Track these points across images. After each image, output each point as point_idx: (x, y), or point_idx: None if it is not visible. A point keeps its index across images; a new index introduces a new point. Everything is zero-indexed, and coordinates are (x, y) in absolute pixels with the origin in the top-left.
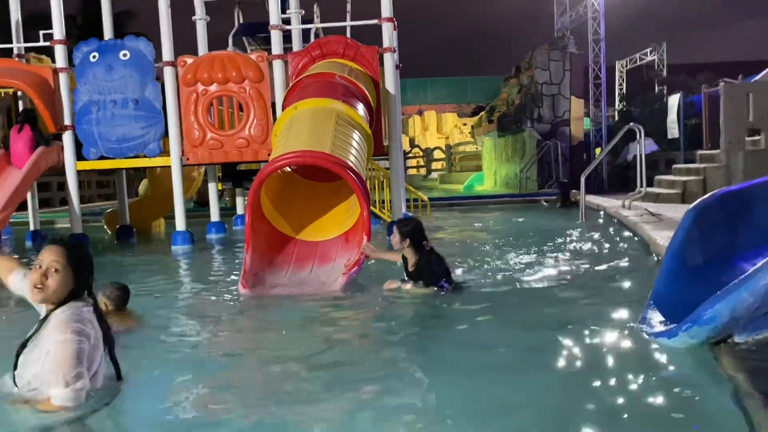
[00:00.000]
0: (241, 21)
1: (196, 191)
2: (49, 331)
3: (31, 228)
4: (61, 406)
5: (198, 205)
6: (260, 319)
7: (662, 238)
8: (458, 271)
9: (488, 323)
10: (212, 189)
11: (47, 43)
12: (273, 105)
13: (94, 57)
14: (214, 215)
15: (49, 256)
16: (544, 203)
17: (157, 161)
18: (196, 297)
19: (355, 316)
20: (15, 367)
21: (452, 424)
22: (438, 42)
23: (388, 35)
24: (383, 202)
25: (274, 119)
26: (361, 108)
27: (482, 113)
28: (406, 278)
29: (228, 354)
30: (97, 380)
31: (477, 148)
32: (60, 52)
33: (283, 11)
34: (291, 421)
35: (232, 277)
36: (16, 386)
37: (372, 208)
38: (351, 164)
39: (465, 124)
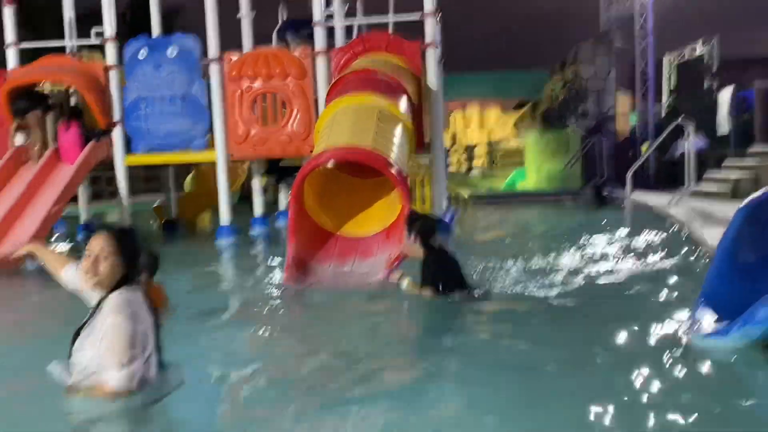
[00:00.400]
0: (285, 17)
1: (241, 186)
2: (103, 316)
3: (82, 221)
4: (117, 388)
5: (243, 199)
6: (303, 313)
7: (712, 236)
8: (507, 270)
9: (533, 324)
10: (257, 184)
11: (99, 41)
12: (316, 101)
13: (143, 54)
14: (258, 210)
15: (98, 243)
16: (568, 202)
17: (203, 156)
18: (240, 289)
19: (395, 312)
20: (69, 356)
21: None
22: (481, 35)
23: (431, 30)
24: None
25: (317, 115)
26: (403, 104)
27: (525, 108)
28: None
29: (269, 346)
30: (150, 366)
31: (520, 145)
32: (111, 49)
33: (327, 7)
34: (329, 416)
35: (276, 271)
36: (71, 375)
37: (413, 204)
38: (392, 160)
39: (508, 120)
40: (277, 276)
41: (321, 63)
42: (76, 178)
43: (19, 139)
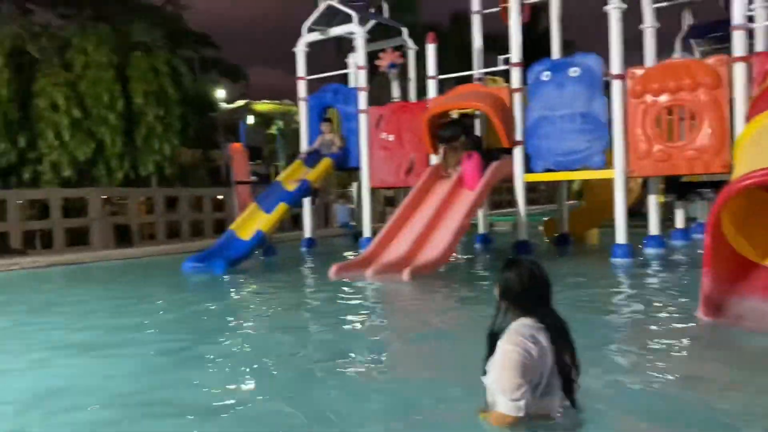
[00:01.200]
0: (690, 22)
1: (634, 202)
2: (501, 342)
3: (480, 231)
4: (503, 414)
5: (632, 216)
6: (719, 352)
7: None
8: None
9: None
10: (653, 201)
11: (506, 67)
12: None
13: (546, 76)
14: (654, 228)
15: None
16: None
17: (601, 173)
18: (642, 316)
19: None
20: (484, 373)
21: None
22: None
23: None
24: None
25: (731, 129)
26: None
27: None
28: None
29: (679, 386)
30: (545, 401)
31: None
32: (516, 73)
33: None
34: None
35: (683, 299)
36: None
37: None
38: None
39: None
40: (685, 305)
41: (739, 71)
42: (480, 197)
43: (435, 159)
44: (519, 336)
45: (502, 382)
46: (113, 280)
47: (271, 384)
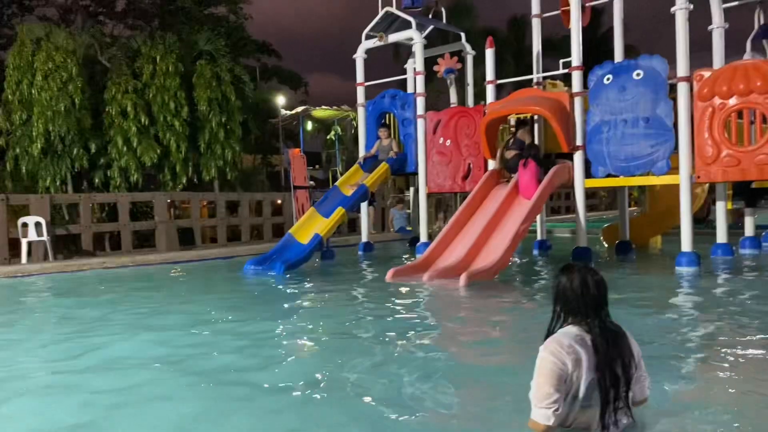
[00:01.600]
0: (762, 22)
1: (700, 207)
2: (541, 347)
3: (539, 237)
4: (533, 421)
5: (697, 222)
6: None
7: None
8: None
9: None
10: (721, 208)
11: (566, 71)
12: None
13: (608, 79)
14: (721, 236)
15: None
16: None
17: (665, 179)
18: (710, 331)
19: None
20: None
21: None
22: None
23: None
24: None
25: None
26: None
27: None
28: None
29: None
30: (587, 413)
31: None
32: (577, 77)
33: None
34: None
35: (752, 314)
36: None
37: None
38: None
39: None
40: (753, 323)
41: None
42: (539, 202)
43: (492, 164)
44: (557, 345)
45: (534, 389)
46: (178, 281)
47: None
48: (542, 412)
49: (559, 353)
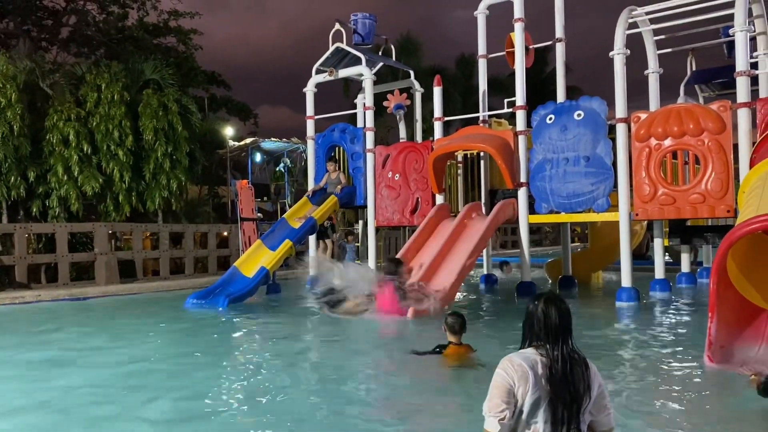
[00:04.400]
0: (694, 68)
1: (639, 244)
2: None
3: (485, 272)
4: (485, 429)
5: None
6: (727, 401)
7: None
8: None
9: None
10: (658, 245)
11: (511, 110)
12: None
13: (550, 119)
14: (659, 272)
15: None
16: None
17: (605, 216)
18: (652, 362)
19: None
20: None
21: None
22: None
23: None
24: None
25: (735, 172)
26: None
27: None
28: None
29: None
30: (531, 428)
31: None
32: (521, 116)
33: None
34: None
35: (687, 345)
36: None
37: None
38: None
39: None
40: (689, 352)
41: (743, 116)
42: (485, 237)
43: (439, 199)
44: (508, 362)
45: (487, 400)
46: (115, 315)
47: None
48: (491, 421)
49: (509, 369)
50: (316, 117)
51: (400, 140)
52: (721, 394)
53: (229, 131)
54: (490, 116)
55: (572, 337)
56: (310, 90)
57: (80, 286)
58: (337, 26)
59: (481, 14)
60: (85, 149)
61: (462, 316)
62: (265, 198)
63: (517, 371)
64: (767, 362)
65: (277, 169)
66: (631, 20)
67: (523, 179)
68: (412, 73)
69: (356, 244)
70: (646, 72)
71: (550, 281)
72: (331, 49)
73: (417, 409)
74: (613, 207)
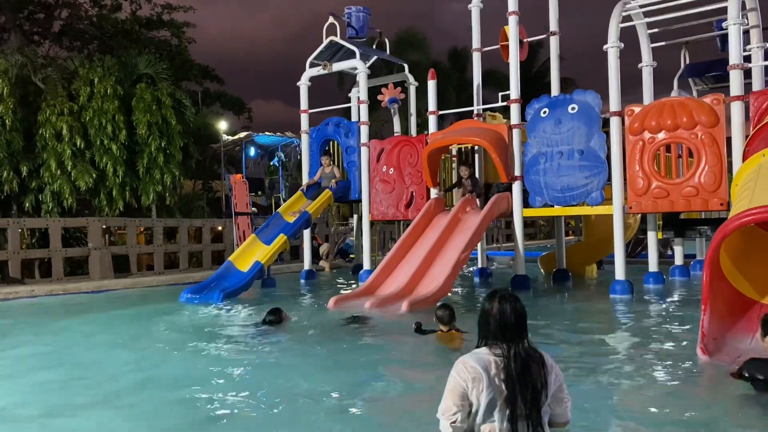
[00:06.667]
0: (688, 61)
1: (633, 237)
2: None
3: (479, 265)
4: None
5: (631, 250)
6: (720, 393)
7: None
8: None
9: None
10: (652, 238)
11: (505, 103)
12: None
13: (544, 112)
14: (653, 265)
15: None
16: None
17: (599, 210)
18: (644, 354)
19: None
20: None
21: None
22: None
23: None
24: None
25: (728, 165)
26: None
27: None
28: None
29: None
30: (486, 427)
31: None
32: (515, 110)
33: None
34: None
35: (680, 337)
36: None
37: None
38: None
39: None
40: (682, 344)
41: (736, 109)
42: (479, 231)
43: (434, 192)
44: (461, 365)
45: (441, 403)
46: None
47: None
48: (444, 424)
49: (462, 372)
50: (311, 111)
51: (395, 134)
52: (714, 386)
53: (222, 125)
54: (484, 110)
55: (528, 334)
56: (304, 84)
57: (74, 281)
58: (331, 19)
59: (475, 7)
60: (79, 144)
61: (450, 307)
62: (260, 192)
63: (470, 373)
64: (759, 353)
65: (272, 163)
66: (624, 13)
67: (517, 173)
68: (406, 67)
69: (351, 238)
70: (639, 65)
71: (545, 274)
72: (325, 42)
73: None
74: (607, 200)
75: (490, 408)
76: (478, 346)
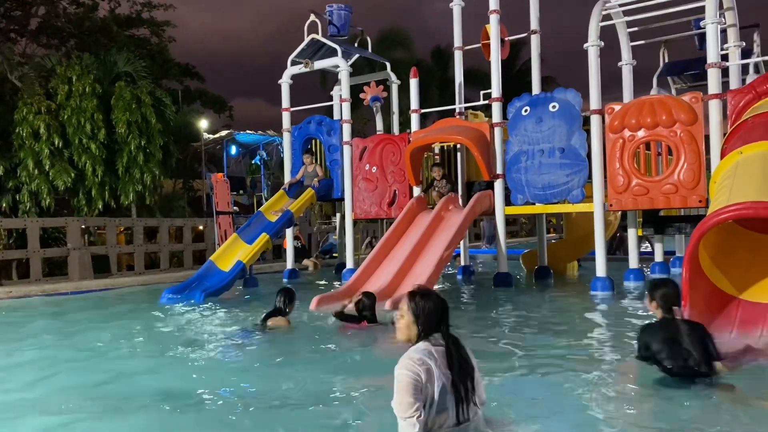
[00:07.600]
0: (667, 60)
1: (613, 235)
2: (396, 367)
3: (462, 263)
4: None
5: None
6: (700, 391)
7: None
8: None
9: None
10: (632, 235)
11: (486, 102)
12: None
13: (525, 111)
14: (633, 262)
15: (402, 304)
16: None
17: (580, 207)
18: (625, 350)
19: None
20: None
21: None
22: None
23: None
24: None
25: (706, 163)
26: None
27: None
28: None
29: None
30: (441, 416)
31: None
32: (497, 108)
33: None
34: None
35: None
36: None
37: None
38: None
39: None
40: None
41: (714, 107)
42: (462, 229)
43: (417, 191)
44: (409, 360)
45: (396, 404)
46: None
47: None
48: (408, 422)
49: (413, 366)
50: (292, 109)
51: (377, 132)
52: (694, 382)
53: (203, 124)
54: (466, 108)
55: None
56: (285, 82)
57: (53, 282)
58: (312, 17)
59: (456, 5)
60: (57, 143)
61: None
62: (241, 191)
63: (421, 366)
64: (738, 348)
65: (253, 162)
66: (604, 12)
67: (499, 171)
68: (388, 65)
69: (334, 236)
70: (619, 64)
71: (526, 271)
72: (307, 40)
73: None
74: (588, 198)
75: (442, 396)
76: (416, 342)
